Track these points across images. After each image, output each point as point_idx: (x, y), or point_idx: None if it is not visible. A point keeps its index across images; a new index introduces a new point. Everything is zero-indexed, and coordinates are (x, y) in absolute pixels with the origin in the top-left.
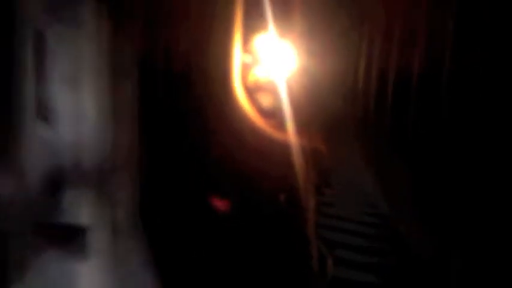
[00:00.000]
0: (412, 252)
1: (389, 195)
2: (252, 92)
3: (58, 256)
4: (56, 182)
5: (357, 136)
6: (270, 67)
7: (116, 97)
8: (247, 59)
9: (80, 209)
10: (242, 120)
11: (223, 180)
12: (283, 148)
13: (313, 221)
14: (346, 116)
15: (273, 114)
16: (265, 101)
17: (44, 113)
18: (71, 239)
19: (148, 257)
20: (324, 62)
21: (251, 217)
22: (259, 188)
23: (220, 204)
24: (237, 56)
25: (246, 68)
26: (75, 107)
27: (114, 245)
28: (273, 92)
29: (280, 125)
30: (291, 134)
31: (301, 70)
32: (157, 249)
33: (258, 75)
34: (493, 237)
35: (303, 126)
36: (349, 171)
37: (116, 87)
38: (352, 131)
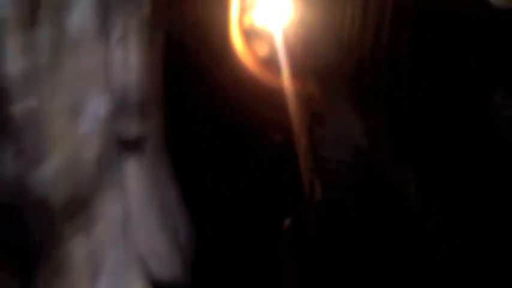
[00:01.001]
0: (382, 178)
1: (369, 135)
2: (248, 37)
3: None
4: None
5: (348, 84)
6: (267, 15)
7: (150, 53)
8: (245, 2)
9: (132, 127)
10: (240, 67)
11: (228, 123)
12: (279, 93)
13: (305, 155)
14: (340, 65)
15: (269, 62)
16: (262, 48)
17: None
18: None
19: (173, 177)
20: (320, 12)
21: (252, 153)
22: (258, 128)
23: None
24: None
25: (243, 11)
26: (125, 58)
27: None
28: (269, 40)
29: (276, 71)
30: (286, 80)
31: (298, 20)
32: (180, 171)
33: (254, 19)
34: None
35: (297, 73)
36: (338, 115)
37: (150, 46)
38: (344, 80)
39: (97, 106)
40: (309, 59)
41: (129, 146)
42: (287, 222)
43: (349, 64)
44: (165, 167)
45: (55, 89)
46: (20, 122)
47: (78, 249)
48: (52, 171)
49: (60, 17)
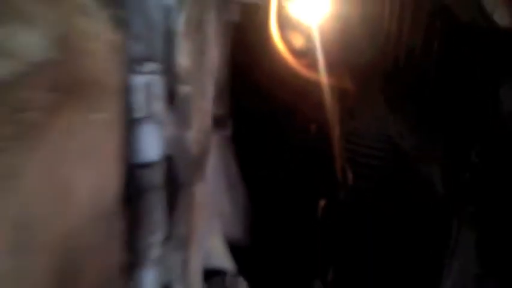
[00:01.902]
0: (410, 167)
1: (400, 127)
2: (285, 29)
3: None
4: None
5: (382, 80)
6: (305, 8)
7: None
8: None
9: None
10: (278, 60)
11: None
12: (314, 86)
13: (338, 145)
14: (375, 61)
15: (305, 54)
16: (298, 41)
17: None
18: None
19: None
20: (358, 7)
21: (290, 143)
22: (294, 118)
23: None
24: None
25: (281, 4)
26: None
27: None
28: (306, 33)
29: (312, 64)
30: (321, 73)
31: (335, 14)
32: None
33: (291, 12)
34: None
35: (333, 67)
36: (371, 108)
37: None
38: (378, 75)
39: (210, 90)
40: (345, 54)
41: (216, 122)
42: (322, 203)
43: (384, 61)
44: (228, 147)
45: (200, 80)
46: (181, 99)
47: (198, 194)
48: (193, 135)
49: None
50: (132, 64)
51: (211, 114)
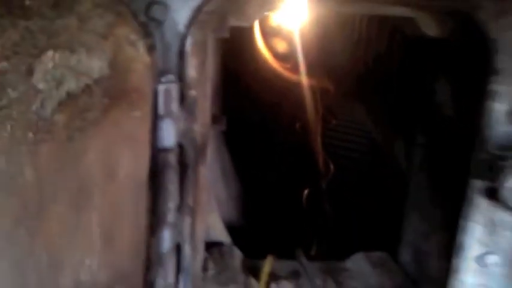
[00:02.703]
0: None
1: (374, 121)
2: (269, 37)
3: None
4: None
5: (355, 80)
6: (286, 16)
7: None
8: None
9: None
10: (262, 65)
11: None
12: (296, 87)
13: (320, 140)
14: (348, 63)
15: (288, 58)
16: (281, 46)
17: None
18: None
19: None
20: (333, 16)
21: (275, 139)
22: (279, 117)
23: None
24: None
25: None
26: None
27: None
28: (288, 38)
29: (295, 67)
30: (303, 75)
31: (314, 20)
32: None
33: (275, 21)
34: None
35: (313, 69)
36: (348, 106)
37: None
38: (351, 76)
39: (210, 93)
40: (323, 57)
41: (213, 119)
42: (306, 192)
43: (356, 64)
44: (223, 140)
45: (203, 85)
46: (189, 101)
47: (201, 174)
48: (198, 128)
49: None
50: (157, 76)
51: (210, 113)
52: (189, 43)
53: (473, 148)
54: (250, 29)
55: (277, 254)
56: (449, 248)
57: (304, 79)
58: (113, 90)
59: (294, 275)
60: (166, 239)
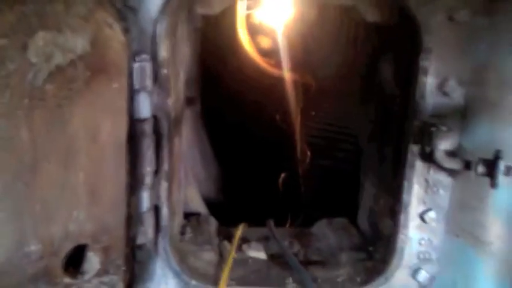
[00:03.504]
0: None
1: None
2: (254, 33)
3: None
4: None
5: (333, 74)
6: (270, 13)
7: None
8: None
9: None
10: (246, 58)
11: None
12: (279, 80)
13: (299, 131)
14: (329, 60)
15: (271, 54)
16: (265, 42)
17: None
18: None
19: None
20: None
21: (257, 127)
22: (261, 109)
23: None
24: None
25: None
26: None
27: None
28: (272, 35)
29: (277, 63)
30: (284, 70)
31: (298, 18)
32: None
33: (259, 19)
34: None
35: (295, 65)
36: (326, 99)
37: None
38: (330, 71)
39: (182, 74)
40: (305, 53)
41: (188, 100)
42: (283, 175)
43: (335, 60)
44: (201, 122)
45: (174, 66)
46: (162, 78)
47: (176, 144)
48: (171, 103)
49: None
50: (133, 55)
51: (184, 93)
52: (160, 28)
53: (410, 118)
54: (233, 26)
55: (251, 225)
56: (395, 208)
57: (286, 74)
58: (94, 65)
59: (264, 239)
60: (145, 199)
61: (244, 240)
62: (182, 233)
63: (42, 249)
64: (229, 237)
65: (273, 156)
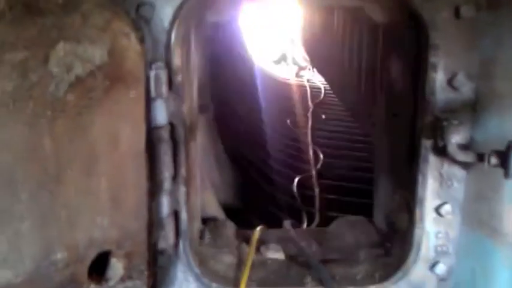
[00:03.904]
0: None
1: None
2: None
3: None
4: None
5: (338, 80)
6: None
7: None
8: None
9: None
10: (258, 67)
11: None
12: (289, 86)
13: (310, 133)
14: (333, 66)
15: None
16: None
17: None
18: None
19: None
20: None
21: (268, 132)
22: (273, 113)
23: None
24: None
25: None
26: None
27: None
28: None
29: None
30: (293, 76)
31: (306, 26)
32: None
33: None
34: None
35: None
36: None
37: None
38: (334, 76)
39: (195, 81)
40: (313, 59)
41: (201, 108)
42: (297, 177)
43: (337, 66)
44: (214, 129)
45: (187, 73)
46: (176, 85)
47: (192, 149)
48: (185, 110)
49: None
50: (149, 64)
51: (197, 100)
52: (173, 36)
53: (421, 113)
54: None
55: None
56: (410, 203)
57: (297, 80)
58: (112, 74)
59: (282, 240)
60: (165, 204)
61: (263, 242)
62: (201, 237)
63: (68, 257)
64: (248, 240)
65: (287, 159)
